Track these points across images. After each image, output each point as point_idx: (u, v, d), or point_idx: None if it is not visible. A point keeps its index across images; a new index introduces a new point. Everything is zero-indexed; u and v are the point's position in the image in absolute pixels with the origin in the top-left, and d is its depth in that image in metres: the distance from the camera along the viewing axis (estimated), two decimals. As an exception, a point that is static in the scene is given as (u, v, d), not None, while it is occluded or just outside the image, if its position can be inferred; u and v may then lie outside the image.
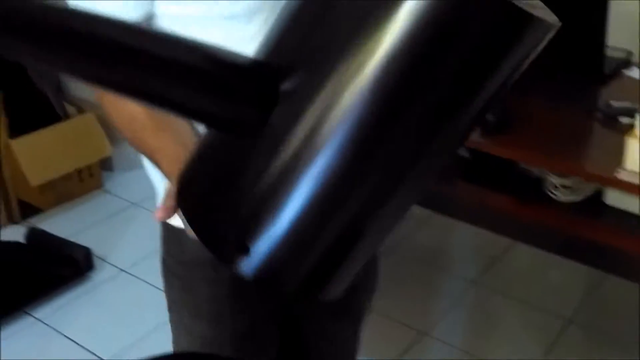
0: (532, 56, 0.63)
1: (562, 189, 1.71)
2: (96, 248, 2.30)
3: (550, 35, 0.63)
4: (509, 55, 0.60)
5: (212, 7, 0.89)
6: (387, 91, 0.59)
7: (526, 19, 0.58)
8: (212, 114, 0.62)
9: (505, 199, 1.78)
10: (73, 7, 0.59)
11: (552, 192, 1.71)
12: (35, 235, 2.33)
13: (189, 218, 0.68)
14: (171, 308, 1.09)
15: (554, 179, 1.70)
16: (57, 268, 2.20)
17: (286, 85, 0.62)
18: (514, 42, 0.59)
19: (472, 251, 2.47)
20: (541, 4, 0.65)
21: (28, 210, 2.53)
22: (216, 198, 0.66)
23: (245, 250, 0.63)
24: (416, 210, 2.55)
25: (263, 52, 0.65)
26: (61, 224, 2.45)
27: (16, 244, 2.30)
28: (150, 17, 0.92)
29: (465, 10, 0.57)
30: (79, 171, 2.63)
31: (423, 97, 0.60)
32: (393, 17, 0.57)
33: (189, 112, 0.63)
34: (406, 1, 0.57)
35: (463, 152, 1.69)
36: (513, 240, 2.36)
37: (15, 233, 2.37)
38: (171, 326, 1.10)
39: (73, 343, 2.01)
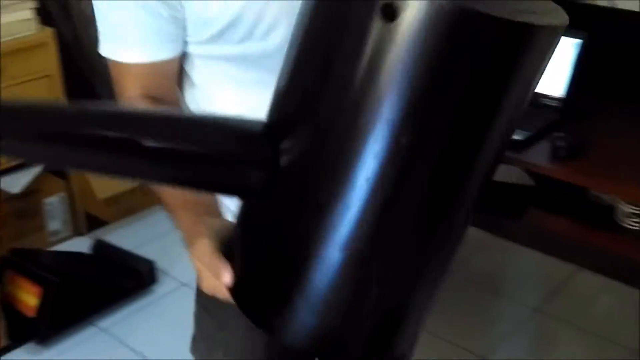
0: (547, 62, 0.60)
1: (633, 217, 1.67)
2: (159, 261, 2.35)
3: (559, 36, 0.60)
4: (519, 71, 0.58)
5: (246, 47, 0.90)
6: (397, 148, 0.57)
7: (526, 31, 0.56)
8: (220, 183, 0.64)
9: (574, 225, 1.74)
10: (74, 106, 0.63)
11: (623, 221, 1.67)
12: (101, 247, 2.38)
13: (231, 291, 0.68)
14: (199, 340, 1.10)
15: (626, 207, 1.67)
16: (121, 280, 2.25)
17: (286, 144, 0.61)
18: (520, 56, 0.57)
19: (534, 277, 2.42)
20: (550, 3, 0.63)
21: (94, 222, 2.60)
22: (257, 269, 0.66)
23: (289, 319, 0.62)
24: (477, 234, 2.53)
25: (269, 110, 0.65)
26: (126, 237, 2.50)
27: (82, 255, 2.36)
28: (181, 55, 0.94)
29: (463, 47, 0.55)
30: (144, 186, 2.69)
31: (443, 141, 0.58)
32: (384, 82, 0.55)
33: (196, 185, 0.65)
34: (401, 53, 0.54)
35: (528, 181, 1.66)
36: (579, 267, 2.31)
37: (82, 244, 2.44)
38: (195, 356, 1.11)
39: (135, 353, 2.05)
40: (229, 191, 0.66)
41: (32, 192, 2.31)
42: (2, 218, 2.26)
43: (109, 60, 0.93)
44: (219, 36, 0.89)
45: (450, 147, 0.58)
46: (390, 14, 0.53)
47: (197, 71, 0.96)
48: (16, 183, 2.23)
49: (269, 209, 0.63)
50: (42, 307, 2.02)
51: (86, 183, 2.54)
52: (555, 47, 0.60)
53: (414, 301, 0.65)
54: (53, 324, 2.04)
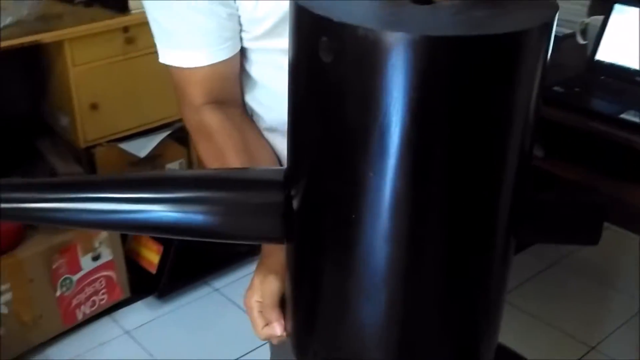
0: (547, 57, 0.55)
1: None
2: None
3: (552, 26, 0.54)
4: (517, 78, 0.53)
5: None
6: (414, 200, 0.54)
7: (513, 40, 0.51)
8: (241, 228, 0.62)
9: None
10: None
11: None
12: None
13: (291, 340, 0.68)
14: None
15: None
16: (235, 245, 2.36)
17: (294, 190, 0.60)
18: (512, 66, 0.52)
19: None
20: None
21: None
22: (303, 316, 0.65)
23: None
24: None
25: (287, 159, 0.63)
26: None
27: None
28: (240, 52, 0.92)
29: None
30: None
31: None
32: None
33: (218, 234, 0.64)
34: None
35: (599, 197, 1.58)
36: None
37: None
38: None
39: (244, 312, 2.14)
40: (250, 238, 0.66)
41: (155, 156, 2.44)
42: (128, 179, 2.40)
43: (170, 68, 0.92)
44: (272, 31, 0.88)
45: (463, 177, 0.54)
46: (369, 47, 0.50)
47: (254, 66, 0.95)
48: (142, 147, 2.37)
49: (295, 255, 0.63)
50: (163, 264, 2.15)
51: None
52: (551, 39, 0.55)
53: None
54: (171, 281, 2.17)
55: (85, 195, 0.62)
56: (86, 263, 2.02)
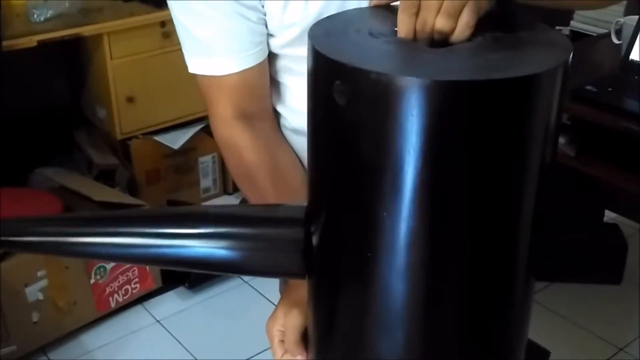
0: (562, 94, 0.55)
1: None
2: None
3: (566, 68, 0.54)
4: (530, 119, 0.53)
5: None
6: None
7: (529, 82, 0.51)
8: (262, 264, 0.65)
9: None
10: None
11: None
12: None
13: None
14: None
15: None
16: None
17: (314, 227, 0.61)
18: (525, 109, 0.52)
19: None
20: (554, 32, 0.58)
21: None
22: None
23: None
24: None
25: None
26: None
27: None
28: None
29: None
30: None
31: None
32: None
33: (241, 269, 0.67)
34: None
35: (621, 238, 1.55)
36: None
37: (229, 202, 2.59)
38: None
39: (272, 305, 2.17)
40: (272, 273, 0.68)
41: (189, 149, 2.48)
42: (163, 171, 2.45)
43: (198, 77, 0.92)
44: (300, 38, 0.86)
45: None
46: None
47: (281, 71, 0.94)
48: (176, 140, 2.41)
49: (315, 291, 0.64)
50: (194, 255, 2.18)
51: (236, 145, 2.69)
52: (561, 81, 0.55)
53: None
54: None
55: (115, 230, 0.65)
56: (120, 252, 2.06)
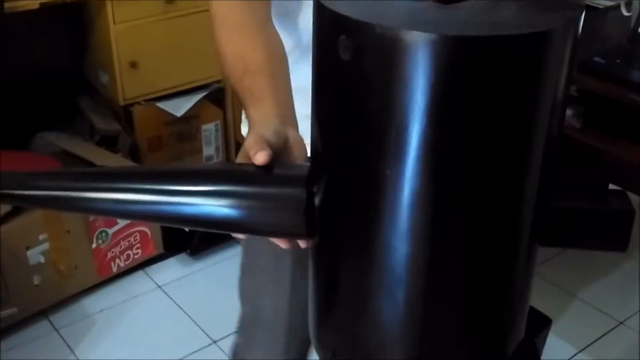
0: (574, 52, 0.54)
1: None
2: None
3: (577, 27, 0.52)
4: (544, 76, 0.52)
5: None
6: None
7: (539, 39, 0.49)
8: (264, 224, 0.63)
9: None
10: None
11: None
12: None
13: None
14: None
15: None
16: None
17: (316, 186, 0.60)
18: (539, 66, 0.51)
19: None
20: None
21: (244, 151, 2.74)
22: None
23: None
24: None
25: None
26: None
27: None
28: None
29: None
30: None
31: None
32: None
33: (242, 227, 0.65)
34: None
35: (629, 206, 1.55)
36: None
37: (232, 170, 2.59)
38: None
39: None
40: (272, 232, 0.66)
41: (192, 117, 2.47)
42: (165, 138, 2.44)
43: None
44: None
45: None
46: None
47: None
48: (179, 107, 2.39)
49: (316, 251, 0.64)
50: (195, 222, 2.18)
51: (239, 114, 2.67)
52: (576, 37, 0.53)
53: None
54: (204, 239, 2.21)
55: (116, 186, 0.64)
56: (122, 217, 2.06)
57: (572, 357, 1.88)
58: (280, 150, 0.67)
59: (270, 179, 0.64)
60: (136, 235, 2.10)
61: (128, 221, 2.07)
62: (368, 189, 0.55)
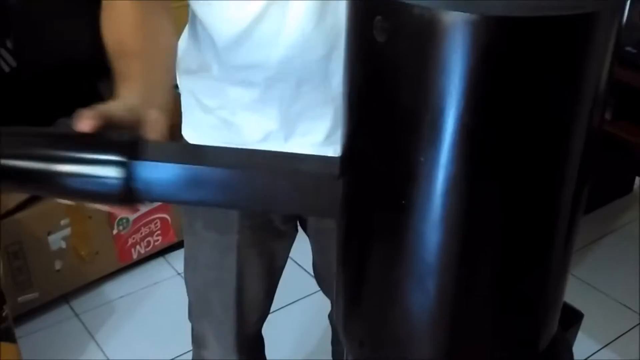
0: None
1: None
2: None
3: (624, 8, 0.50)
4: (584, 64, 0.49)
5: None
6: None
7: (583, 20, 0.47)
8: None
9: None
10: None
11: None
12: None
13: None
14: (183, 215, 1.17)
15: None
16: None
17: (346, 173, 0.59)
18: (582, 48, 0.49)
19: None
20: None
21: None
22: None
23: None
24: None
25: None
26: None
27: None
28: None
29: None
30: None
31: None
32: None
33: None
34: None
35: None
36: None
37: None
38: (184, 229, 1.18)
39: (293, 261, 2.17)
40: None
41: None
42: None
43: None
44: None
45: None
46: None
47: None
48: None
49: (344, 238, 0.62)
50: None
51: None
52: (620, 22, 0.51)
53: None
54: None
55: None
56: (142, 204, 2.06)
57: (596, 352, 1.85)
58: (132, 127, 0.68)
59: (88, 145, 0.63)
60: (157, 222, 2.10)
61: (149, 207, 2.07)
62: (401, 176, 0.53)
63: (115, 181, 0.61)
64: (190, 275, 1.19)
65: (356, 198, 0.58)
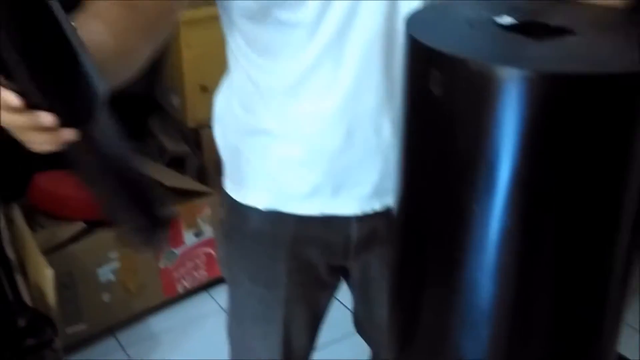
0: None
1: None
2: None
3: None
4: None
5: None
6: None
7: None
8: None
9: None
10: None
11: None
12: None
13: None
14: (226, 266, 1.13)
15: None
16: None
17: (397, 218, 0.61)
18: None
19: None
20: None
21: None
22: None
23: None
24: None
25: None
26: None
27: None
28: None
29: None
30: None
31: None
32: None
33: None
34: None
35: None
36: None
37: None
38: (227, 280, 1.14)
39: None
40: None
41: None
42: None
43: None
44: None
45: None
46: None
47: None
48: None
49: (397, 284, 0.64)
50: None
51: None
52: None
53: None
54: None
55: None
56: (189, 238, 2.09)
57: (646, 399, 1.80)
58: None
59: None
60: (202, 257, 2.13)
61: (195, 242, 2.10)
62: (455, 226, 0.54)
63: None
64: (235, 326, 1.18)
65: (410, 246, 0.59)
